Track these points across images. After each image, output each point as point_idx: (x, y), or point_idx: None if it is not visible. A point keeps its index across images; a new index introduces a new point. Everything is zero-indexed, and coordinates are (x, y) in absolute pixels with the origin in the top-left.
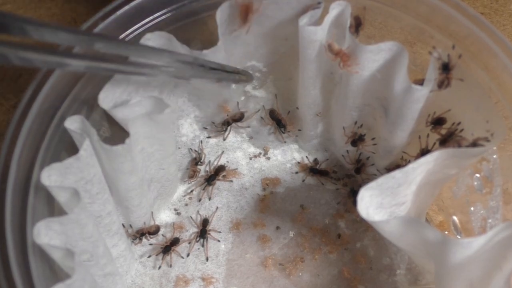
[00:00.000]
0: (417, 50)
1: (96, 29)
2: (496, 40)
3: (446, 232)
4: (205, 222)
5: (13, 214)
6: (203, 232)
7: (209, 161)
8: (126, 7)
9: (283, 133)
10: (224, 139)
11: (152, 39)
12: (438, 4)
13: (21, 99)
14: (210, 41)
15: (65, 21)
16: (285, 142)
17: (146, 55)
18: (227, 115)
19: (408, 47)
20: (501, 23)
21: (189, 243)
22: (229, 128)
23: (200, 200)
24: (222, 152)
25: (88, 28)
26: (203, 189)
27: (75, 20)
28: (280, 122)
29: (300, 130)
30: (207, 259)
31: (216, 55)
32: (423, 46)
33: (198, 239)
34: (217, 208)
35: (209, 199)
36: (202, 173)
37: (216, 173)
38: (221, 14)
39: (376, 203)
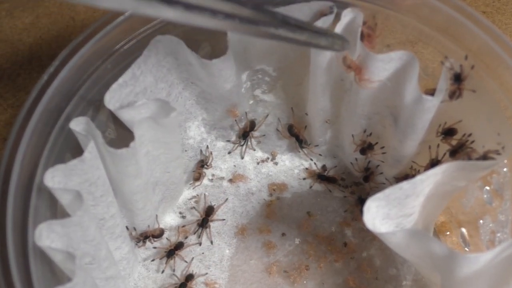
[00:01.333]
0: (419, 50)
1: (103, 31)
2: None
3: (448, 233)
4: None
5: (14, 215)
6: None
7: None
8: None
9: (302, 148)
10: (242, 157)
11: (162, 41)
12: (440, 6)
13: (20, 98)
14: (219, 44)
15: (63, 20)
16: (311, 159)
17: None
18: (240, 127)
19: (409, 47)
20: (503, 22)
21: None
22: (248, 140)
23: (200, 244)
24: (226, 199)
25: (94, 30)
26: (199, 236)
27: (74, 18)
28: (298, 137)
29: (317, 145)
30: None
31: (225, 63)
32: (425, 46)
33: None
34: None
35: (211, 243)
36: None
37: (208, 215)
38: None
39: (382, 214)
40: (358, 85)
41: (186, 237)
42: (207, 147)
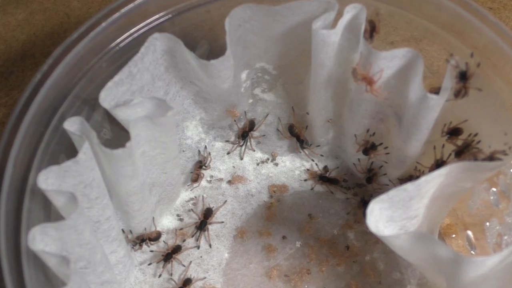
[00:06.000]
0: (423, 47)
1: (99, 28)
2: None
3: (454, 236)
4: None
5: (7, 218)
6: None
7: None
8: (131, 5)
9: (303, 148)
10: (242, 158)
11: (160, 39)
12: (445, 2)
13: (13, 97)
14: (217, 41)
15: (57, 16)
16: (312, 160)
17: None
18: (239, 126)
19: (414, 44)
20: (510, 18)
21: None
22: (247, 140)
23: (198, 247)
24: (225, 202)
25: (89, 27)
26: (197, 239)
27: (68, 15)
28: (299, 137)
29: (318, 146)
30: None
31: (224, 64)
32: (430, 43)
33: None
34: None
35: (210, 246)
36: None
37: (206, 217)
38: (230, 22)
39: (386, 216)
40: (373, 95)
41: (184, 240)
42: (205, 147)
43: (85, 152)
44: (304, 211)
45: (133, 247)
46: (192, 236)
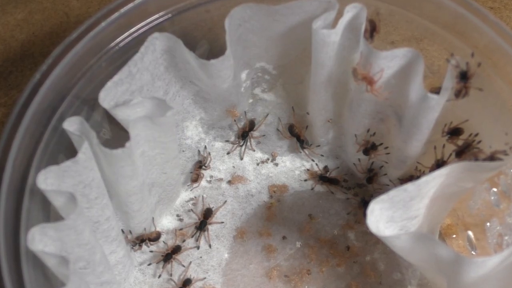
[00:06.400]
0: (424, 47)
1: (98, 28)
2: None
3: (454, 236)
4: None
5: (6, 219)
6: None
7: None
8: (131, 5)
9: (304, 148)
10: (242, 158)
11: (160, 39)
12: (446, 1)
13: (12, 97)
14: (217, 41)
15: (57, 16)
16: (312, 160)
17: None
18: (239, 126)
19: (414, 44)
20: (511, 17)
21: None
22: (247, 140)
23: (198, 247)
24: (225, 202)
25: (88, 26)
26: (197, 240)
27: (67, 14)
28: (299, 137)
29: (318, 146)
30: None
31: (224, 63)
32: (430, 42)
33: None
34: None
35: (210, 246)
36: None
37: (206, 218)
38: (230, 22)
39: (386, 216)
40: (374, 95)
41: (184, 241)
42: (205, 147)
43: (84, 152)
44: (304, 211)
45: (132, 248)
46: (192, 237)
